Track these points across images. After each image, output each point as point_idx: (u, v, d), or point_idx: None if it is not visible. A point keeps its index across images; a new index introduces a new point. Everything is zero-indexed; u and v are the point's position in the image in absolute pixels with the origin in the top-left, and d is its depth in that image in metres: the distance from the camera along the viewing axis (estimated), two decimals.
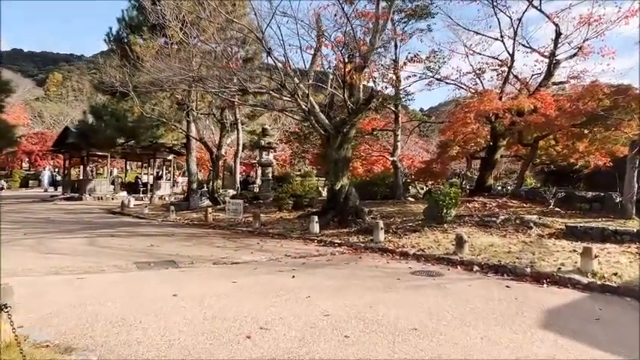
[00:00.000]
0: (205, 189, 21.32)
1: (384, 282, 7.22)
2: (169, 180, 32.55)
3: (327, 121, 12.74)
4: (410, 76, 14.36)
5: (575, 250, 8.79)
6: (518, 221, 11.75)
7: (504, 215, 12.33)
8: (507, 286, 7.03)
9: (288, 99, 11.94)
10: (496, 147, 19.24)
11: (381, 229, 10.81)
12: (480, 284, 7.19)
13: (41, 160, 45.51)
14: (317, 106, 12.60)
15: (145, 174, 35.47)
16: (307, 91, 11.99)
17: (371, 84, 15.64)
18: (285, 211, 16.44)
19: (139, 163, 37.91)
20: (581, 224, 10.46)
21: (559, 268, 7.74)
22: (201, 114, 19.82)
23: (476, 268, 8.27)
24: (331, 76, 13.10)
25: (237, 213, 14.53)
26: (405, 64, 13.12)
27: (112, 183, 34.85)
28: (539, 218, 12.18)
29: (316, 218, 12.47)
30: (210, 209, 15.90)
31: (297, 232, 12.94)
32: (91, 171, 46.85)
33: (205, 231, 13.55)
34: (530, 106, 17.46)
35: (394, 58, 17.47)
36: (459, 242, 9.15)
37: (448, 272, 8.07)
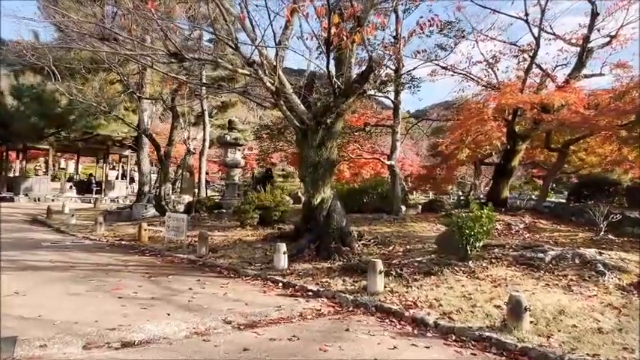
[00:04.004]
0: (158, 193, 17.24)
1: None
2: (125, 179, 28.24)
3: (303, 108, 8.92)
4: (416, 54, 10.71)
5: None
6: (577, 260, 8.08)
7: (554, 249, 8.64)
8: None
9: (244, 72, 8.12)
10: (514, 151, 15.68)
11: (380, 272, 7.00)
12: None
13: None
14: (289, 86, 8.77)
15: (108, 170, 31.13)
16: (276, 63, 8.15)
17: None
18: (248, 227, 12.57)
19: (109, 160, 33.46)
20: None
21: None
22: (146, 99, 15.81)
23: None
24: (313, 43, 9.26)
25: (178, 232, 10.61)
26: (412, 34, 9.38)
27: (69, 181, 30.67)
28: (600, 253, 8.54)
29: (284, 247, 8.64)
30: (145, 224, 11.88)
31: (258, 264, 9.11)
32: (52, 167, 42.30)
33: (126, 259, 9.57)
34: (562, 101, 13.93)
35: (394, 35, 13.76)
36: (515, 310, 5.38)
37: None
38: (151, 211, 15.89)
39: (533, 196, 19.61)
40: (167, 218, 11.08)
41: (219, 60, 8.11)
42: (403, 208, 15.56)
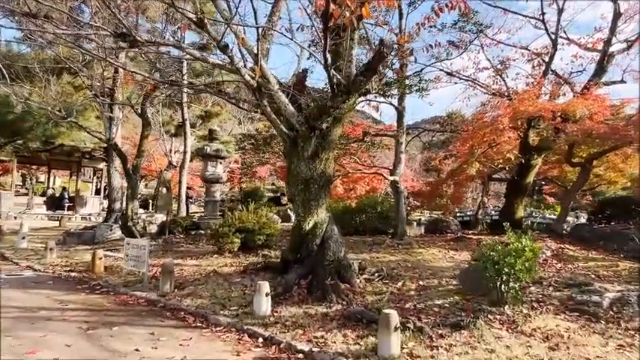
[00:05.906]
0: (125, 212, 15.15)
1: None
2: (99, 195, 26.07)
3: (292, 109, 7.10)
4: (427, 49, 8.97)
5: None
6: None
7: (608, 289, 6.85)
8: None
9: (217, 62, 6.31)
10: (529, 166, 14.01)
11: (395, 329, 5.12)
12: None
13: None
14: (275, 81, 6.96)
15: (81, 184, 28.93)
16: (257, 51, 6.34)
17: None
18: (227, 254, 10.64)
19: (81, 174, 31.31)
20: None
21: None
22: (111, 104, 13.92)
23: None
24: (304, 36, 7.52)
25: (139, 262, 8.68)
26: (428, 19, 7.66)
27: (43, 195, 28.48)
28: None
29: (267, 286, 6.71)
30: (100, 251, 9.83)
31: (234, 307, 7.14)
32: (30, 181, 39.94)
33: (66, 300, 7.55)
34: (585, 109, 12.37)
35: (397, 31, 12.12)
36: None
37: None
38: (117, 232, 13.84)
39: (540, 215, 17.93)
40: (126, 245, 9.10)
41: (183, 45, 6.32)
42: (414, 237, 13.82)
